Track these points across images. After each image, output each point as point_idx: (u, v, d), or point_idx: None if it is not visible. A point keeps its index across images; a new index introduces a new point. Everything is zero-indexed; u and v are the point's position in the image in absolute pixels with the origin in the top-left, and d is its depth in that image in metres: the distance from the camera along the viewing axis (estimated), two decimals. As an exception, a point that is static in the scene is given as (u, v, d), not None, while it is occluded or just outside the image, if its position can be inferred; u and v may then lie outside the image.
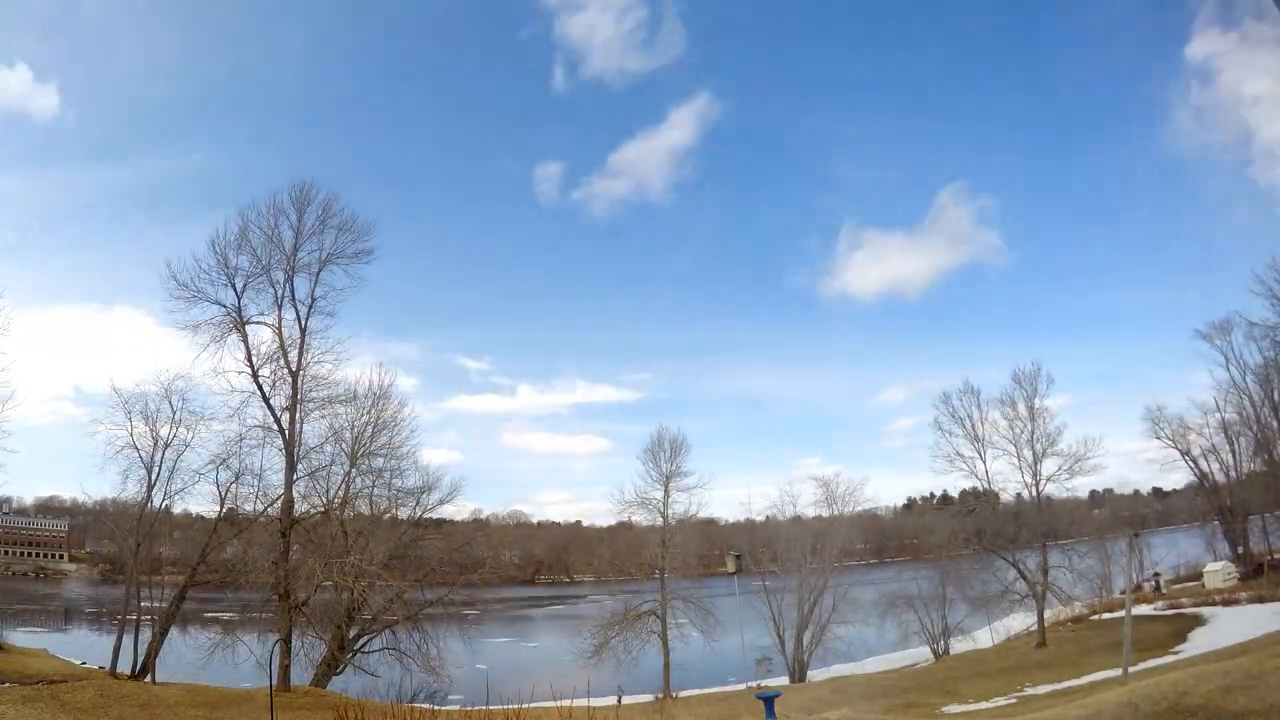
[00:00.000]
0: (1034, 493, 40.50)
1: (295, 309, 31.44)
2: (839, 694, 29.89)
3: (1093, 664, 30.18)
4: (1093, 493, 58.05)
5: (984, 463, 42.18)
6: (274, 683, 22.96)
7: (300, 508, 31.01)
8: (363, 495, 35.26)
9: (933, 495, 77.31)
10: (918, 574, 50.29)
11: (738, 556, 36.37)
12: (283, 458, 30.25)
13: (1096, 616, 39.83)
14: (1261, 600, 35.55)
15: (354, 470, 33.97)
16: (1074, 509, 48.12)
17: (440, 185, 73.94)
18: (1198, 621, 35.00)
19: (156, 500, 29.17)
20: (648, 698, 34.68)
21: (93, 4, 62.96)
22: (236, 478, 30.03)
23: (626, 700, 31.87)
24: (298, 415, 30.72)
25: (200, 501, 31.45)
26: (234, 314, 30.36)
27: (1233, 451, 47.77)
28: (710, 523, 60.87)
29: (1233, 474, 47.86)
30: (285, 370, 30.62)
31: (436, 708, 23.84)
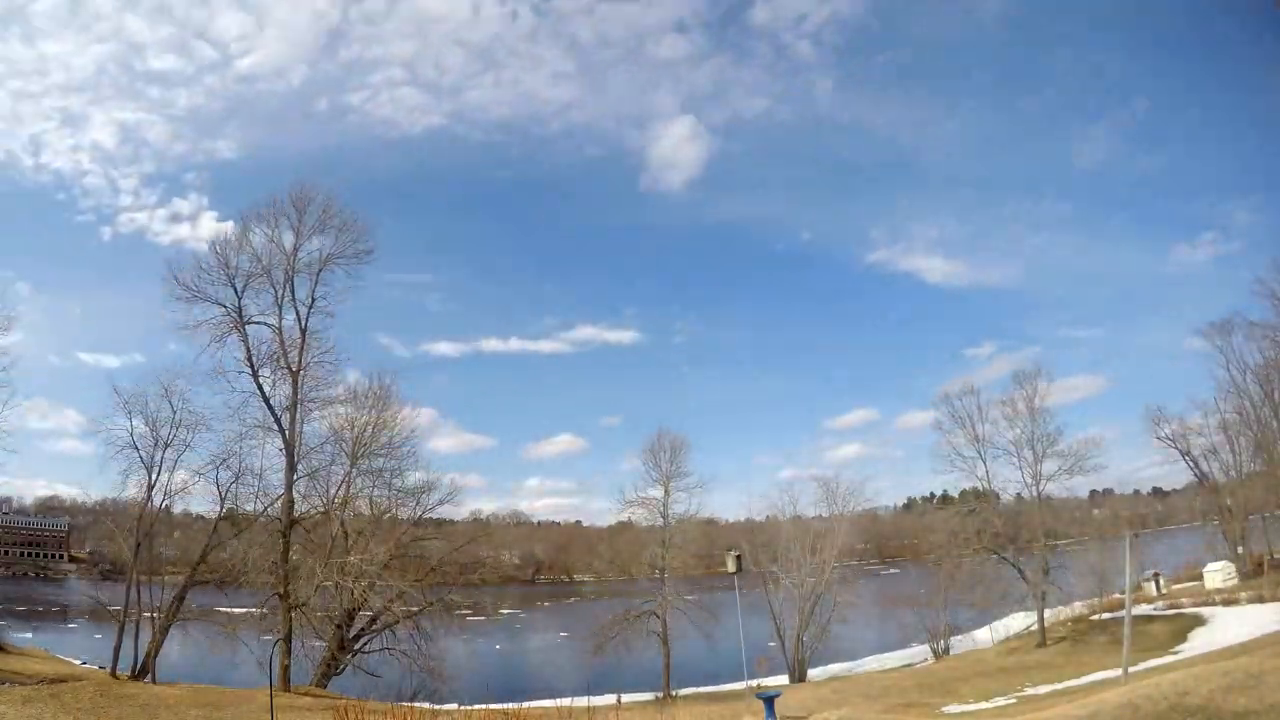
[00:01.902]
0: (1034, 493, 40.54)
1: (295, 309, 31.34)
2: (839, 694, 29.90)
3: (1093, 664, 30.19)
4: (1093, 492, 58.04)
5: (984, 463, 42.30)
6: (274, 683, 22.92)
7: (300, 508, 30.99)
8: (363, 495, 35.26)
9: (933, 495, 77.31)
10: (918, 574, 50.35)
11: (738, 556, 36.27)
12: (283, 458, 30.19)
13: (1096, 616, 39.77)
14: (1261, 600, 35.57)
15: (354, 470, 34.00)
16: (1074, 509, 48.10)
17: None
18: (1198, 621, 34.98)
19: (156, 500, 28.95)
20: (648, 697, 34.66)
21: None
22: (236, 478, 29.86)
23: (626, 700, 31.82)
24: (298, 415, 30.68)
25: (200, 501, 31.31)
26: (234, 314, 30.24)
27: (1233, 451, 47.78)
28: (711, 522, 60.95)
29: (1233, 474, 47.84)
30: (285, 370, 30.57)
31: (436, 707, 23.78)
